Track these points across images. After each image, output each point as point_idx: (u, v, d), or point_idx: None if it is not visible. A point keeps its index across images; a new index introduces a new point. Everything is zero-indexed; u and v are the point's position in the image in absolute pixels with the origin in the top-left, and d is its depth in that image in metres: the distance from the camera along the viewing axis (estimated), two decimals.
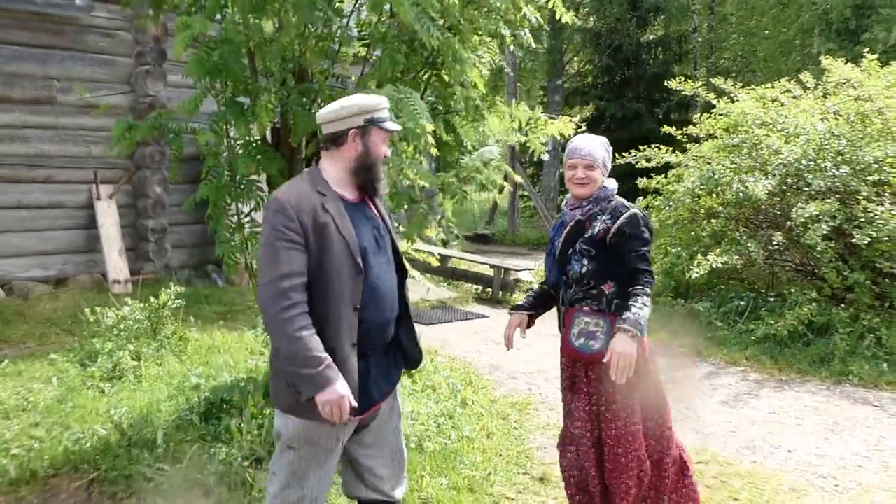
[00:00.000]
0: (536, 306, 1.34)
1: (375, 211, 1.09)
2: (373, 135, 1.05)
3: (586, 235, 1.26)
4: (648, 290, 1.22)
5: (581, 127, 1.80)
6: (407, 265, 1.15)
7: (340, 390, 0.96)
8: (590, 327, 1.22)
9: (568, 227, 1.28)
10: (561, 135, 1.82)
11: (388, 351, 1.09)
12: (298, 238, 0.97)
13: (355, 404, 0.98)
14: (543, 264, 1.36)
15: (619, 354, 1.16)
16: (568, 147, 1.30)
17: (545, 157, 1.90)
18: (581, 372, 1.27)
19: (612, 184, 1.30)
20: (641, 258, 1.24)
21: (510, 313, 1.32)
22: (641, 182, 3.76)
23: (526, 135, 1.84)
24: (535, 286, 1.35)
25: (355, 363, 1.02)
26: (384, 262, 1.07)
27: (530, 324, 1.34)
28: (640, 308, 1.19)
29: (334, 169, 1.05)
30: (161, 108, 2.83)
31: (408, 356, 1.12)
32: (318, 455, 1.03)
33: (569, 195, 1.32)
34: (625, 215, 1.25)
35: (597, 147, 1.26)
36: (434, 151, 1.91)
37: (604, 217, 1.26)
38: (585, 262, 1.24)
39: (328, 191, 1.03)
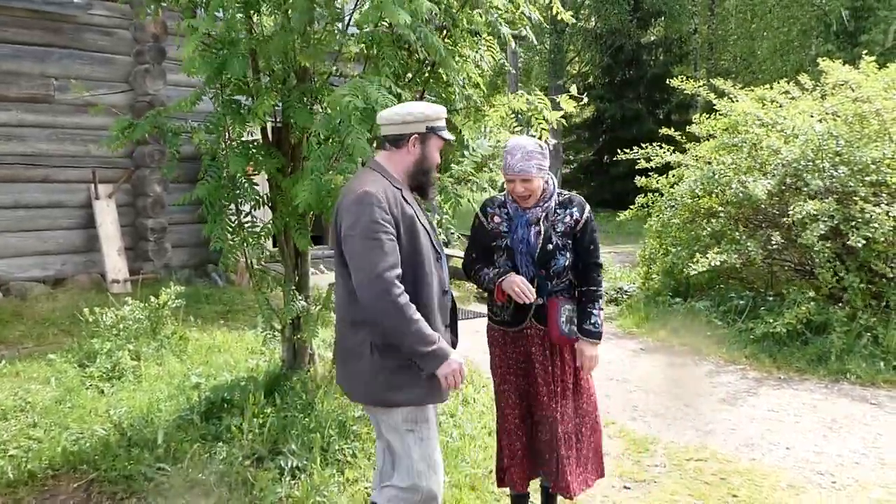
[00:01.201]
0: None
1: (416, 205, 1.16)
2: (431, 142, 1.12)
3: (559, 230, 1.32)
4: (600, 289, 1.36)
5: (582, 99, 1.78)
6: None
7: (458, 359, 1.06)
8: (570, 314, 1.32)
9: (538, 226, 1.31)
10: (564, 116, 1.82)
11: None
12: (393, 230, 1.03)
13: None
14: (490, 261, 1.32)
15: (589, 358, 1.34)
16: (504, 159, 1.31)
17: (552, 141, 1.90)
18: (551, 355, 1.33)
19: (552, 178, 1.37)
20: (597, 249, 1.37)
21: (501, 279, 1.27)
22: (641, 181, 3.76)
23: (528, 123, 1.84)
24: (490, 268, 1.31)
25: (451, 342, 1.12)
26: (443, 252, 1.17)
27: None
28: (600, 314, 1.34)
29: (393, 170, 1.11)
30: (160, 107, 2.82)
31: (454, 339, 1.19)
32: (433, 432, 1.09)
33: (506, 192, 1.36)
34: (586, 208, 1.35)
35: (527, 161, 1.27)
36: None
37: (570, 210, 1.34)
38: (567, 254, 1.33)
39: (400, 185, 1.10)
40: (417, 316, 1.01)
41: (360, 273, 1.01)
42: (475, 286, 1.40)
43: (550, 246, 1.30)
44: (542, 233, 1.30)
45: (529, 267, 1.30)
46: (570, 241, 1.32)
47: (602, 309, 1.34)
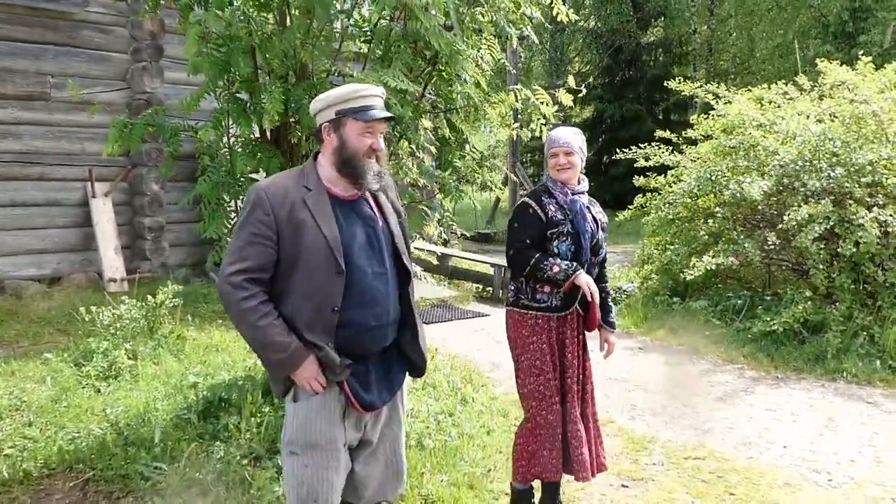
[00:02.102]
0: None
1: (376, 210, 1.04)
2: (347, 126, 0.99)
3: (597, 222, 1.42)
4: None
5: (581, 92, 1.83)
6: (412, 268, 1.09)
7: (313, 365, 0.96)
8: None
9: (589, 213, 1.39)
10: (561, 108, 1.84)
11: (387, 356, 1.05)
12: (270, 234, 0.95)
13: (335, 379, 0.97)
14: (557, 247, 1.34)
15: (612, 345, 1.47)
16: (547, 139, 1.43)
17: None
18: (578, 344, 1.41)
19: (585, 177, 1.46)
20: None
21: (577, 272, 1.31)
22: (639, 181, 3.77)
23: (528, 117, 1.84)
24: (549, 259, 1.33)
25: (326, 362, 0.98)
26: (377, 264, 1.01)
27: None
28: (614, 308, 1.48)
29: (326, 164, 1.02)
30: (157, 105, 2.80)
31: (412, 362, 1.08)
32: (321, 460, 0.99)
33: (546, 182, 1.40)
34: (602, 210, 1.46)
35: (574, 136, 1.40)
36: (432, 149, 1.90)
37: (596, 207, 1.46)
38: (605, 247, 1.45)
39: (315, 186, 0.99)
40: (264, 322, 0.93)
41: (223, 267, 0.96)
42: (527, 274, 1.30)
43: (600, 235, 1.40)
44: (595, 220, 1.40)
45: (588, 252, 1.37)
46: (605, 236, 1.43)
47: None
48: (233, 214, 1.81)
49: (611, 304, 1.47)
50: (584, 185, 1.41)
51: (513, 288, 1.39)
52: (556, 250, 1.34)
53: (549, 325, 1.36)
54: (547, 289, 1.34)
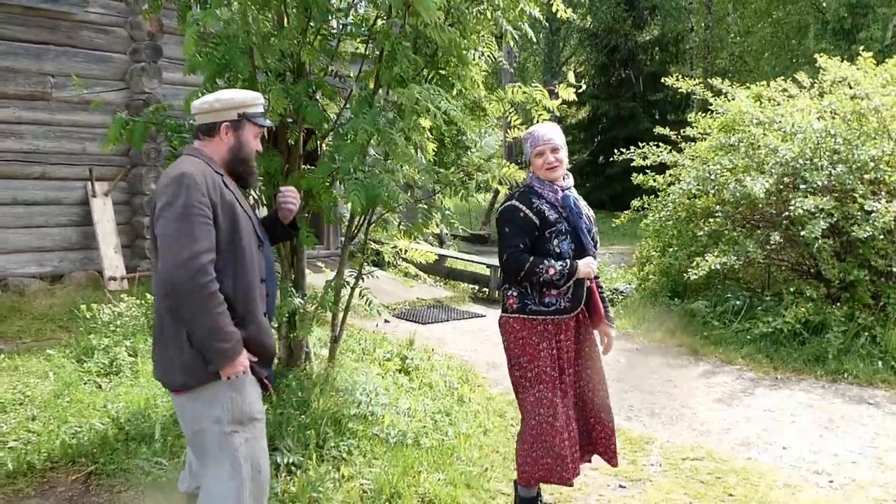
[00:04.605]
0: None
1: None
2: (246, 130, 1.08)
3: (588, 218, 1.39)
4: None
5: (581, 87, 1.80)
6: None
7: (245, 361, 1.01)
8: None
9: (581, 210, 1.36)
10: (561, 119, 1.83)
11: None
12: (210, 213, 0.98)
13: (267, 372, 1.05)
14: (557, 244, 1.31)
15: (612, 339, 1.45)
16: (527, 138, 1.36)
17: None
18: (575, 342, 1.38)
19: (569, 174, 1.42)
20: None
21: (575, 268, 1.29)
22: (637, 178, 3.74)
23: (527, 114, 1.83)
24: (547, 260, 1.30)
25: (271, 330, 1.09)
26: (266, 239, 1.12)
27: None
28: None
29: (216, 160, 1.07)
30: (157, 104, 2.81)
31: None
32: (258, 431, 1.03)
33: (531, 182, 1.36)
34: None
35: (557, 132, 1.36)
36: (432, 148, 1.91)
37: (582, 202, 1.42)
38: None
39: (221, 170, 1.06)
40: (221, 309, 0.96)
41: (168, 255, 0.94)
42: (522, 278, 1.27)
43: (594, 230, 1.39)
44: (588, 215, 1.38)
45: (591, 247, 1.35)
46: (596, 230, 1.41)
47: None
48: None
49: (607, 300, 1.48)
50: (570, 180, 1.38)
51: (515, 294, 1.32)
52: (557, 250, 1.30)
53: (559, 328, 1.32)
54: (554, 291, 1.30)
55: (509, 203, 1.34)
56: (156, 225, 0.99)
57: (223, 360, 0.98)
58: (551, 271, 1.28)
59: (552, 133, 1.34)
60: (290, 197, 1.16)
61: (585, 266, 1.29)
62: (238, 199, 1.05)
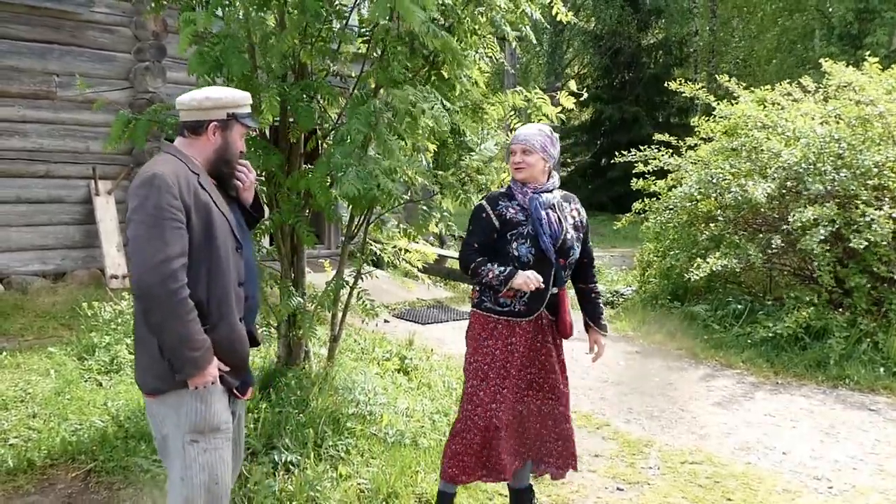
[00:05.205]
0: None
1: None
2: (233, 130, 1.05)
3: (570, 223, 1.35)
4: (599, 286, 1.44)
5: (583, 95, 1.78)
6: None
7: (214, 371, 0.98)
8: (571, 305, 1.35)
9: (555, 212, 1.32)
10: (564, 115, 1.84)
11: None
12: (182, 217, 0.95)
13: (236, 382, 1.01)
14: (517, 247, 1.29)
15: (602, 348, 1.42)
16: (513, 137, 1.36)
17: None
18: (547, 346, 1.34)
19: (556, 173, 1.37)
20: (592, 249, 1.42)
21: (512, 276, 1.25)
22: (638, 183, 3.74)
23: (527, 118, 1.84)
24: (494, 264, 1.28)
25: (246, 337, 1.04)
26: (247, 240, 1.08)
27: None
28: (604, 310, 1.43)
29: (199, 158, 1.04)
30: (160, 104, 2.83)
31: (253, 337, 1.10)
32: (219, 442, 1.01)
33: (511, 183, 1.35)
34: (582, 207, 1.39)
35: (534, 134, 1.31)
36: (432, 148, 1.91)
37: (574, 206, 1.38)
38: (578, 247, 1.36)
39: (201, 171, 1.03)
40: (192, 316, 0.93)
41: (139, 260, 0.92)
42: (471, 276, 1.28)
43: (570, 235, 1.32)
44: (561, 220, 1.31)
45: (552, 253, 1.29)
46: (580, 236, 1.35)
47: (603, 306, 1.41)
48: None
49: (601, 305, 1.42)
50: (553, 182, 1.33)
51: (478, 289, 1.34)
52: (515, 253, 1.27)
53: (513, 330, 1.30)
54: (510, 292, 1.28)
55: (479, 202, 1.35)
56: (127, 227, 0.97)
57: (192, 368, 0.95)
58: (490, 275, 1.27)
59: (529, 134, 1.30)
60: (242, 173, 1.08)
61: (521, 278, 1.23)
62: (214, 199, 1.01)
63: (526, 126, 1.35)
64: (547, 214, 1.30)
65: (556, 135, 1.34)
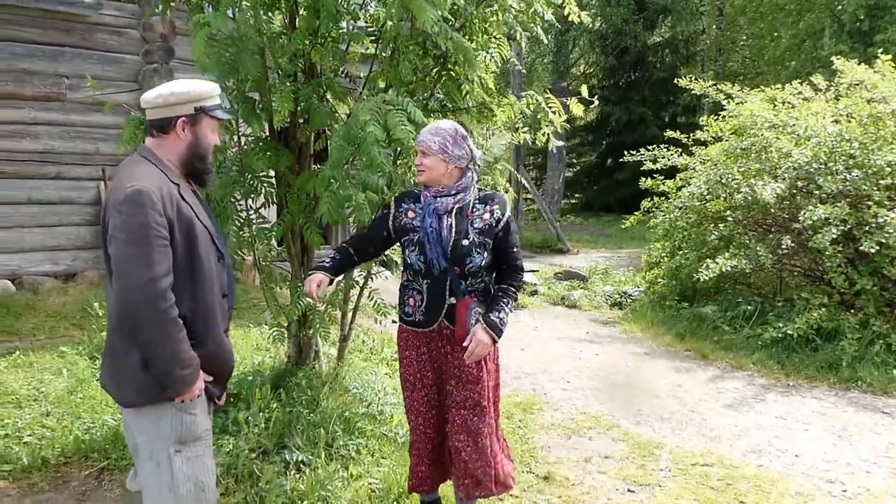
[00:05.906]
0: (339, 271, 1.29)
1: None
2: (203, 124, 1.00)
3: (476, 226, 1.21)
4: (518, 292, 1.26)
5: (594, 102, 1.74)
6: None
7: (201, 384, 0.98)
8: (478, 316, 1.21)
9: (450, 218, 1.21)
10: (569, 121, 1.81)
11: None
12: (167, 234, 0.93)
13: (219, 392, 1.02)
14: (352, 244, 1.26)
15: (478, 341, 1.19)
16: None
17: (558, 143, 1.88)
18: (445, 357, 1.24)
19: (473, 173, 1.25)
20: (518, 252, 1.25)
21: (311, 273, 1.24)
22: (646, 183, 3.71)
23: (537, 123, 1.82)
24: (335, 253, 1.25)
25: (232, 349, 1.04)
26: (226, 251, 1.07)
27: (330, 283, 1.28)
28: (507, 312, 1.22)
29: (172, 158, 1.00)
30: None
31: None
32: (201, 449, 1.00)
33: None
34: (507, 207, 1.24)
35: (431, 136, 1.20)
36: None
37: (491, 207, 1.23)
38: (485, 254, 1.22)
39: (178, 179, 0.99)
40: (182, 335, 0.92)
41: (124, 280, 0.89)
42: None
43: (466, 242, 1.19)
44: (455, 226, 1.19)
45: (441, 262, 1.18)
46: (489, 241, 1.21)
47: (510, 311, 1.22)
48: (243, 214, 1.83)
49: (504, 305, 1.21)
50: (463, 183, 1.20)
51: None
52: (408, 260, 1.21)
53: (421, 340, 1.24)
54: (412, 301, 1.22)
55: (394, 197, 1.29)
56: (109, 244, 0.91)
57: (182, 386, 0.94)
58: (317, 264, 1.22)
59: (425, 135, 1.19)
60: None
61: (307, 281, 1.17)
62: (196, 211, 0.98)
63: (428, 126, 1.23)
64: (438, 221, 1.19)
65: (463, 131, 1.21)
